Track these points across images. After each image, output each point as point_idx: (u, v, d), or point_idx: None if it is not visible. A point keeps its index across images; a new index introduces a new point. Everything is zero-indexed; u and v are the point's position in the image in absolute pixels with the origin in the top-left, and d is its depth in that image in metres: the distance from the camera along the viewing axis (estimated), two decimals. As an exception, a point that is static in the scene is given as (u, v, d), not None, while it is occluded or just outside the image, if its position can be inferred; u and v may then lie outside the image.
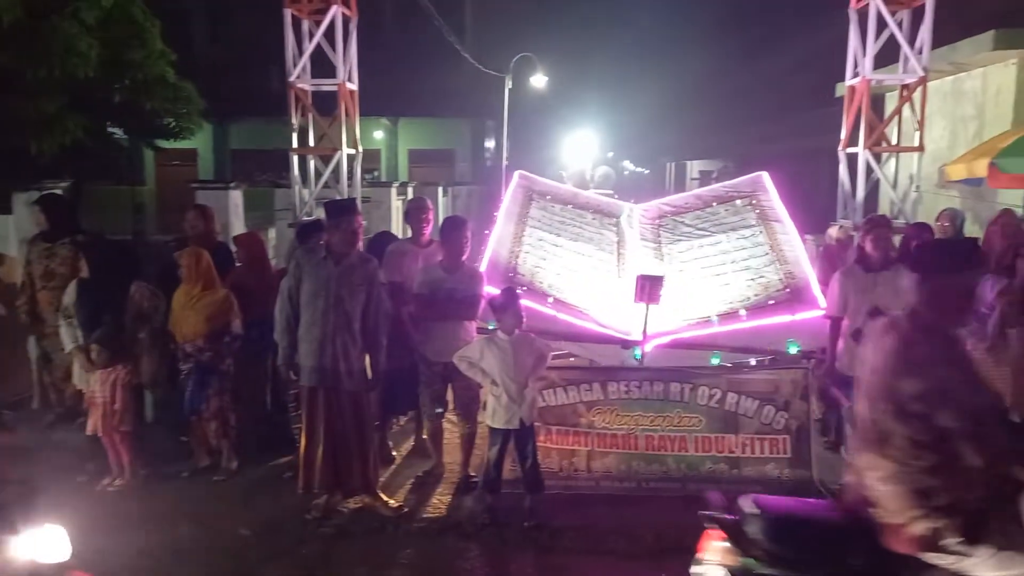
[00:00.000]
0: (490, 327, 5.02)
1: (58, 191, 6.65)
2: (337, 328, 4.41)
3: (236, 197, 8.37)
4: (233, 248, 5.95)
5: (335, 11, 7.86)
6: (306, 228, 5.51)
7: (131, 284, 5.15)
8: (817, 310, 5.48)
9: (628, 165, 56.47)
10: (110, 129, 13.07)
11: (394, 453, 5.69)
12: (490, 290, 5.51)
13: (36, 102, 9.69)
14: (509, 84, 20.20)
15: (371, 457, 4.68)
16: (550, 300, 5.81)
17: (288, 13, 7.93)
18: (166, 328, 5.14)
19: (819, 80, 14.17)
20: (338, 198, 6.40)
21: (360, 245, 4.75)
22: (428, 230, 5.68)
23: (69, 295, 5.11)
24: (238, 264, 5.79)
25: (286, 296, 4.54)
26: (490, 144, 28.25)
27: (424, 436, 5.50)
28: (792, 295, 5.65)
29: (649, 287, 5.45)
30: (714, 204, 6.27)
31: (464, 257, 5.19)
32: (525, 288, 5.76)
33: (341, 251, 4.46)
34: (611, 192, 19.38)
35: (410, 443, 5.82)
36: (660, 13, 34.96)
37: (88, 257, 5.12)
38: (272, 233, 10.30)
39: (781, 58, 25.96)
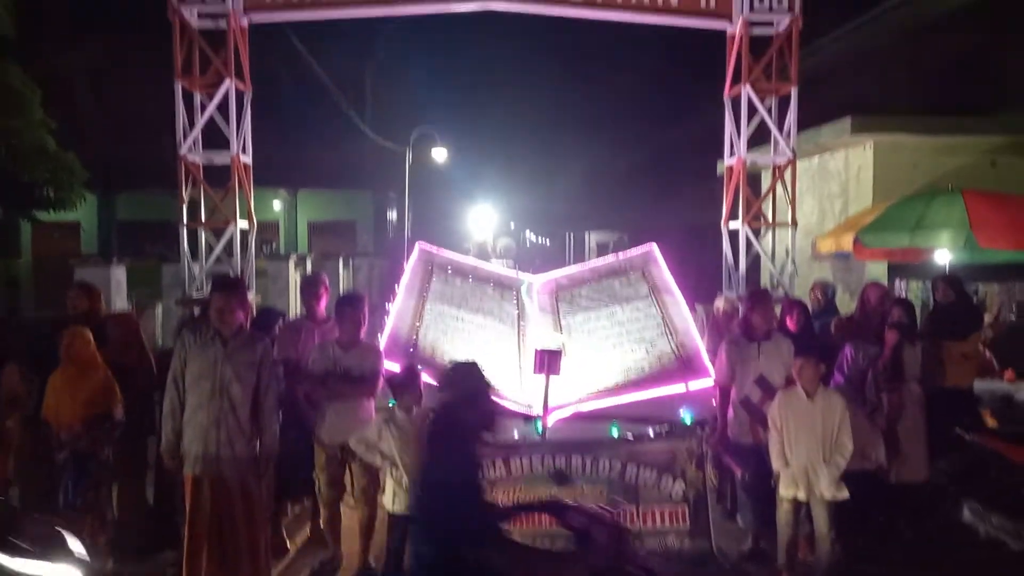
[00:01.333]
0: (390, 404, 4.93)
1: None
2: (224, 412, 4.21)
3: (119, 273, 7.97)
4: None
5: (228, 85, 7.79)
6: (264, 315, 5.38)
7: (2, 366, 4.79)
8: (708, 379, 5.71)
9: (530, 235, 57.76)
10: (-19, 201, 12.31)
11: (288, 543, 5.41)
12: (390, 366, 5.44)
13: None
14: (409, 158, 20.43)
15: (262, 550, 4.42)
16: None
17: (179, 85, 7.80)
18: (39, 414, 4.77)
19: (703, 158, 15.12)
20: (227, 274, 6.22)
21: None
22: (322, 306, 5.58)
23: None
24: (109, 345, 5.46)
25: (171, 379, 4.32)
26: (392, 215, 28.30)
27: (320, 524, 5.26)
28: (684, 365, 5.87)
29: (548, 360, 5.54)
30: (608, 276, 6.47)
31: (361, 333, 5.12)
32: (426, 363, 5.72)
33: (227, 330, 4.30)
34: (513, 262, 19.71)
35: (305, 532, 5.56)
36: (556, 91, 36.62)
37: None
38: (159, 310, 9.83)
39: (668, 136, 27.61)
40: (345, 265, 17.67)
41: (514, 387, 5.84)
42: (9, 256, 19.51)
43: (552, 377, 5.48)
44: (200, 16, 7.79)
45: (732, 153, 7.97)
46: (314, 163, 22.43)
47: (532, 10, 8.03)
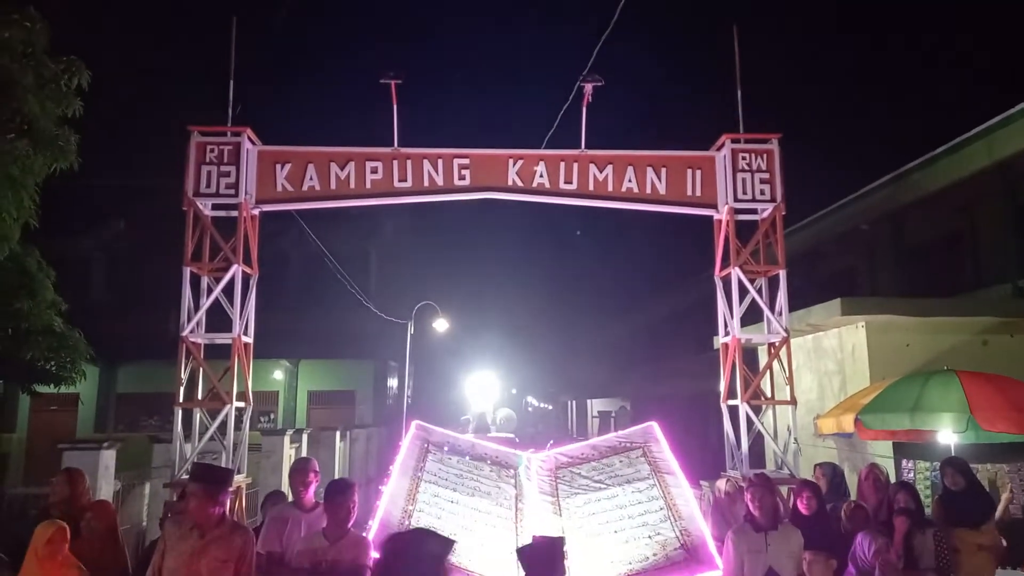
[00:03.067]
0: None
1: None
2: None
3: (108, 458, 7.84)
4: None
5: (236, 270, 8.08)
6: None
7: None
8: (715, 570, 5.43)
9: (532, 401, 57.26)
10: (-19, 375, 12.35)
11: None
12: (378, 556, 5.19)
13: None
14: (411, 330, 20.74)
15: None
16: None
17: (188, 271, 8.08)
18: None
19: (701, 327, 15.32)
20: (209, 463, 6.11)
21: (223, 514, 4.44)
22: (309, 493, 5.44)
23: None
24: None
25: (150, 573, 4.14)
26: (393, 383, 28.24)
27: None
28: (689, 554, 5.60)
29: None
30: (609, 454, 6.35)
31: (350, 523, 4.94)
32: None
33: (206, 522, 4.16)
34: (513, 435, 19.36)
35: None
36: (555, 264, 37.89)
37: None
38: (147, 490, 9.55)
39: (666, 306, 28.18)
40: (342, 438, 17.38)
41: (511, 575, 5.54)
42: (2, 431, 19.27)
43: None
44: (214, 207, 8.23)
45: (727, 332, 8.09)
46: (316, 334, 22.74)
47: (528, 199, 8.50)
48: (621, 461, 6.29)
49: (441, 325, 22.15)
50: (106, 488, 7.77)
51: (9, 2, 10.03)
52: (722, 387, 8.01)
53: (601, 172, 8.33)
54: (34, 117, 10.18)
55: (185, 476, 7.58)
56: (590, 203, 8.49)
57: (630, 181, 8.29)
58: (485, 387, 35.97)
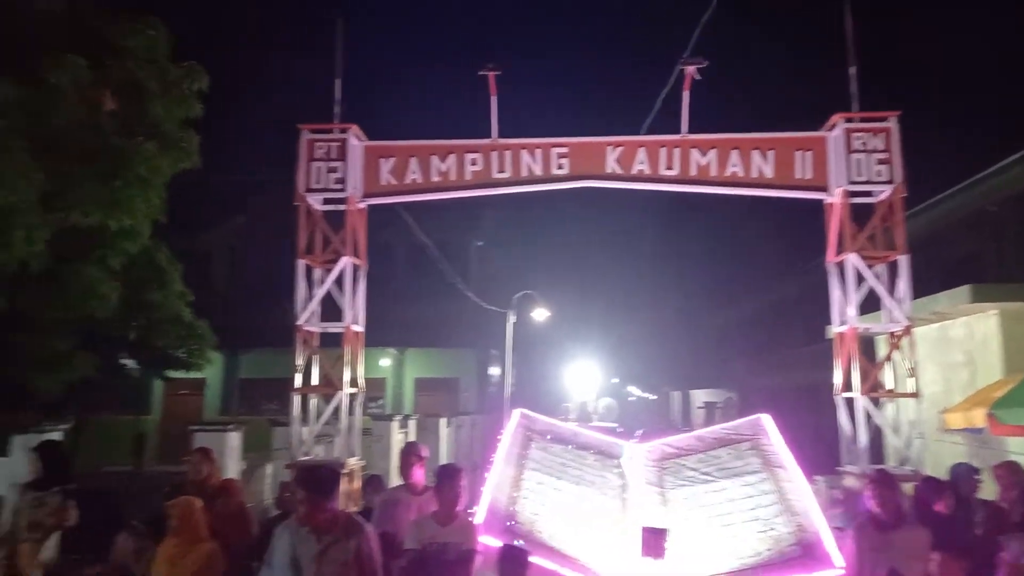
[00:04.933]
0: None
1: (56, 436, 6.66)
2: None
3: (234, 439, 8.38)
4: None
5: (345, 262, 8.40)
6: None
7: (118, 533, 4.98)
8: (832, 569, 5.19)
9: (634, 391, 56.60)
10: (122, 361, 13.42)
11: None
12: (487, 541, 5.28)
13: (47, 340, 10.02)
14: (513, 319, 20.94)
15: None
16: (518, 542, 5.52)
17: (302, 263, 8.47)
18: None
19: (812, 315, 14.68)
20: (315, 465, 6.23)
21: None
22: (417, 477, 5.58)
23: (51, 549, 4.93)
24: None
25: (266, 561, 4.26)
26: (494, 371, 28.63)
27: None
28: (805, 551, 5.37)
29: (654, 541, 5.23)
30: (717, 447, 6.18)
31: (459, 507, 5.04)
32: (525, 538, 5.52)
33: (319, 527, 4.21)
34: (615, 425, 19.25)
35: None
36: (657, 250, 37.20)
37: (78, 507, 5.00)
38: (269, 470, 10.11)
39: (775, 293, 27.16)
40: (448, 424, 17.81)
41: (618, 567, 5.51)
42: (141, 413, 20.90)
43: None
44: (324, 202, 8.58)
45: (842, 321, 7.71)
46: (421, 323, 23.33)
47: (627, 187, 8.38)
48: (729, 453, 6.11)
49: (541, 314, 22.23)
50: (233, 467, 8.30)
51: (134, 12, 10.77)
52: (836, 379, 7.65)
53: (704, 157, 8.11)
54: (159, 120, 10.94)
55: (304, 458, 7.98)
56: (692, 189, 8.28)
57: (735, 165, 8.03)
58: (585, 376, 35.87)
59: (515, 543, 4.88)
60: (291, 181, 8.59)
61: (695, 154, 8.11)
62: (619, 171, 8.25)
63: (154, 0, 11.60)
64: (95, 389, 11.94)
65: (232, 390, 24.98)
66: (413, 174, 8.54)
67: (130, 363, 13.87)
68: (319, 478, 4.45)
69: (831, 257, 7.90)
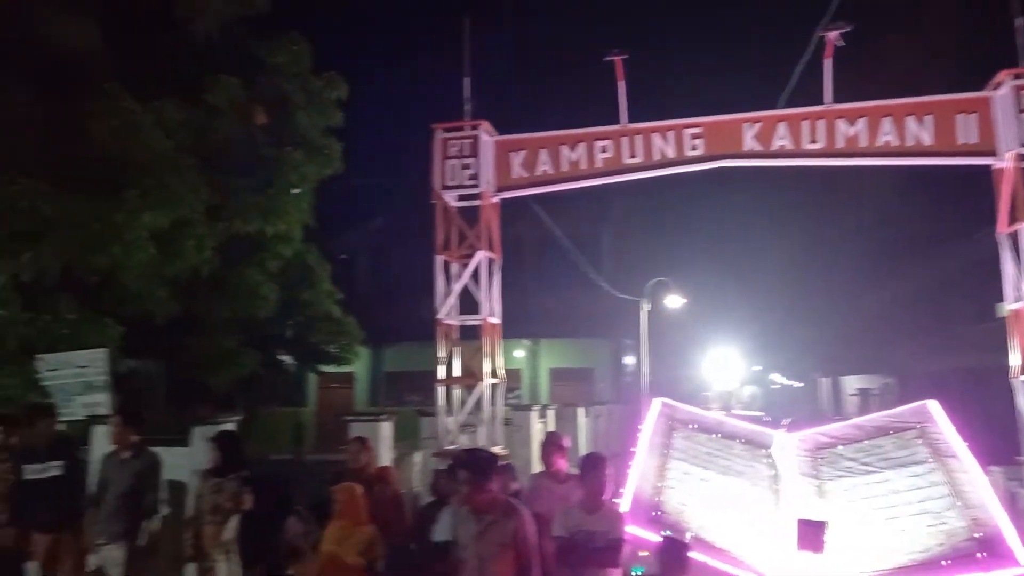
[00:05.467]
0: (636, 573, 4.70)
1: (231, 426, 7.26)
2: None
3: (386, 429, 8.78)
4: None
5: (480, 256, 8.59)
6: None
7: (287, 518, 5.36)
8: (1018, 568, 4.75)
9: (778, 378, 54.16)
10: (280, 358, 14.47)
11: None
12: (634, 531, 5.25)
13: (217, 340, 11.01)
14: (648, 306, 20.62)
15: None
16: (689, 537, 5.42)
17: (440, 259, 8.75)
18: (315, 564, 5.22)
19: (978, 294, 13.45)
20: (475, 449, 6.34)
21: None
22: (559, 465, 5.61)
23: (231, 530, 5.38)
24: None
25: None
26: (629, 361, 28.33)
27: None
28: (982, 547, 4.96)
29: (812, 534, 5.00)
30: (878, 436, 5.80)
31: (605, 496, 5.03)
32: (672, 528, 5.45)
33: (476, 507, 4.35)
34: (761, 414, 18.53)
35: None
36: (798, 230, 35.24)
37: (252, 492, 5.42)
38: (417, 458, 10.53)
39: (933, 269, 25.06)
40: (586, 414, 17.82)
41: (772, 561, 5.31)
42: (298, 405, 22.44)
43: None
44: (459, 198, 8.81)
45: (1017, 297, 7.01)
46: (554, 314, 23.47)
47: (767, 164, 8.02)
48: (893, 443, 5.72)
49: (675, 301, 21.72)
50: (386, 456, 8.70)
51: (279, 29, 11.55)
52: (1013, 360, 6.96)
53: (852, 127, 7.62)
54: (305, 130, 11.70)
55: (450, 447, 8.26)
56: (840, 163, 7.82)
57: (887, 134, 7.49)
58: (725, 364, 34.74)
59: (665, 534, 4.81)
60: (426, 181, 8.90)
61: (841, 125, 7.64)
62: (758, 148, 7.91)
63: (292, 14, 12.39)
64: (258, 384, 12.94)
65: (378, 383, 26.24)
66: (543, 165, 8.59)
67: (287, 359, 14.92)
68: (480, 461, 4.59)
69: (1003, 227, 7.21)
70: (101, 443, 7.04)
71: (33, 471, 6.19)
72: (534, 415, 13.85)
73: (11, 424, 6.57)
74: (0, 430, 6.50)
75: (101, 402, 7.47)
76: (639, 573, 4.64)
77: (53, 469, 6.21)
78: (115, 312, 9.99)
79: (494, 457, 4.92)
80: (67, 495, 6.25)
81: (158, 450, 6.51)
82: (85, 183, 9.82)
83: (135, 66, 10.43)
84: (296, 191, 10.75)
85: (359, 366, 23.79)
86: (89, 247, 9.31)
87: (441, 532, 4.37)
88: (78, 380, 7.58)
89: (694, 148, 8.14)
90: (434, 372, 8.76)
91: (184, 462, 7.09)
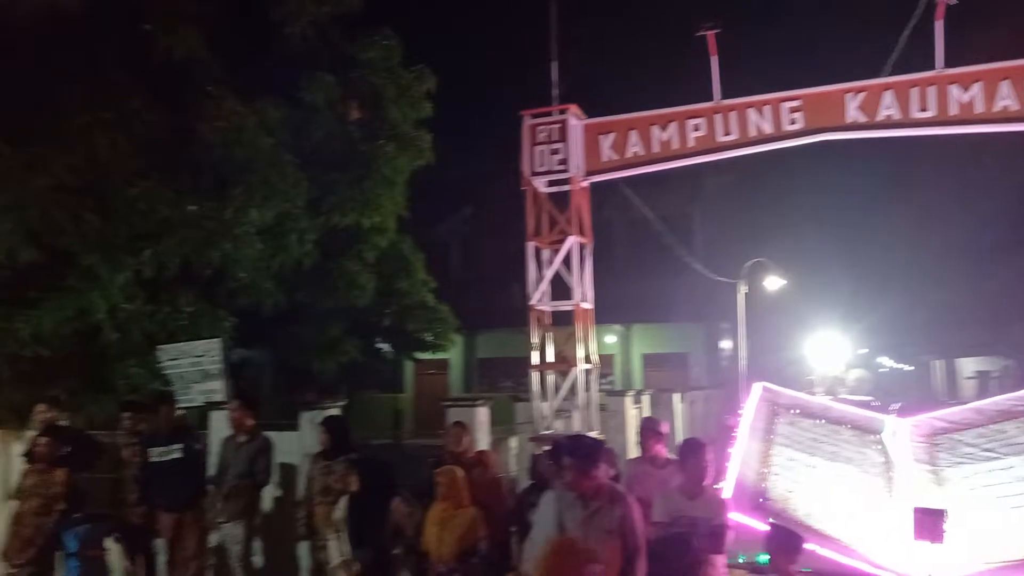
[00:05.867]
0: (759, 561, 4.61)
1: (337, 411, 7.53)
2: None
3: (483, 414, 8.91)
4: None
5: (572, 241, 8.56)
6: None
7: (392, 499, 5.54)
8: None
9: (886, 361, 51.56)
10: (378, 345, 14.92)
11: None
12: (738, 518, 5.15)
13: (322, 328, 11.47)
14: (745, 289, 20.03)
15: None
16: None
17: (531, 245, 8.78)
18: (419, 545, 5.38)
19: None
20: (581, 435, 6.24)
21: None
22: (657, 451, 5.55)
23: (340, 510, 5.60)
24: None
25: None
26: (725, 345, 27.63)
27: None
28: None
29: (930, 523, 4.76)
30: (1000, 420, 5.47)
31: (706, 481, 4.95)
32: (777, 516, 5.32)
33: (585, 492, 4.28)
34: (869, 398, 17.73)
35: None
36: (906, 205, 33.23)
37: (359, 474, 5.63)
38: (513, 443, 10.65)
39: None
40: (682, 399, 17.55)
41: (887, 551, 5.10)
42: (396, 391, 23.12)
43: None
44: (548, 184, 8.80)
45: None
46: (645, 298, 23.15)
47: (872, 135, 7.62)
48: (1018, 427, 5.40)
49: (775, 283, 20.98)
50: (483, 440, 8.84)
51: (370, 25, 11.84)
52: None
53: (966, 92, 7.16)
54: (397, 123, 11.97)
55: (546, 432, 8.31)
56: (953, 130, 7.36)
57: (1005, 98, 7.02)
58: (829, 347, 33.32)
59: (771, 522, 4.69)
60: (516, 168, 8.93)
61: (954, 90, 7.17)
62: (862, 119, 7.53)
63: (380, 9, 12.65)
64: (359, 371, 13.38)
65: (471, 369, 26.67)
66: (634, 147, 8.47)
67: (385, 346, 15.36)
68: (585, 447, 4.53)
69: None
70: (218, 427, 7.44)
71: (157, 454, 6.59)
72: (629, 400, 13.73)
73: (138, 411, 7.04)
74: (128, 416, 6.97)
75: (217, 389, 7.87)
76: (746, 560, 4.55)
77: (175, 452, 6.57)
78: (227, 304, 10.58)
79: (599, 443, 4.88)
80: (188, 477, 6.62)
81: (270, 434, 6.84)
82: (195, 183, 10.42)
83: (237, 69, 10.94)
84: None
85: (453, 353, 24.24)
86: (203, 244, 9.88)
87: (545, 514, 4.38)
88: (196, 368, 8.03)
89: (793, 122, 7.83)
90: (526, 358, 8.81)
91: (294, 446, 7.41)
